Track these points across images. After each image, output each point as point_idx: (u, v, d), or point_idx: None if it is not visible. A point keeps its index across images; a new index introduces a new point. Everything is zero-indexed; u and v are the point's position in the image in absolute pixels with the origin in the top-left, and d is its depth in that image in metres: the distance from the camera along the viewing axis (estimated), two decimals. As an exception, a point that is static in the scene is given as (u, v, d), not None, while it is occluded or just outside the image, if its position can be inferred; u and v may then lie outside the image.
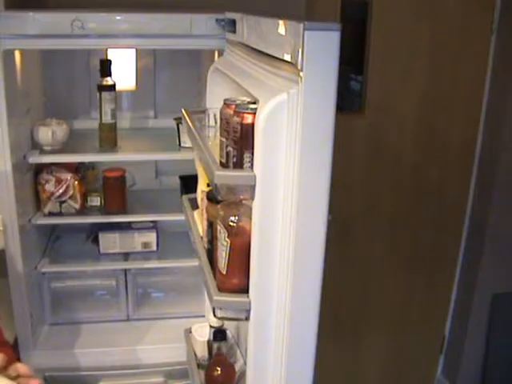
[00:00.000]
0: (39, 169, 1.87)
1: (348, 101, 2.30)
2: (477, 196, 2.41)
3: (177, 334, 1.80)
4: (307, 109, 0.92)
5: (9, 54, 1.60)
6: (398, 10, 2.17)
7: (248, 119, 1.03)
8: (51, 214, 1.88)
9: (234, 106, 1.08)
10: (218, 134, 1.17)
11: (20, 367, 0.92)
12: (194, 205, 1.54)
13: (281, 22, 1.00)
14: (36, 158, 1.78)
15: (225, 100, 1.13)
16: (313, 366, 1.09)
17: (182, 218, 1.63)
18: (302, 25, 0.89)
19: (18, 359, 1.06)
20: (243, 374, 1.35)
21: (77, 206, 1.90)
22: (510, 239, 2.36)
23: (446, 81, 2.27)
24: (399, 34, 2.20)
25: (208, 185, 1.33)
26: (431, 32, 2.20)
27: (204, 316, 1.81)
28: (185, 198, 1.63)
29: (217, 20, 1.56)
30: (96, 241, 2.02)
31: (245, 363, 1.46)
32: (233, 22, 1.43)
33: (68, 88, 2.09)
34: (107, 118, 1.84)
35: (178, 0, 1.89)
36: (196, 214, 1.50)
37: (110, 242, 2.00)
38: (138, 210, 1.96)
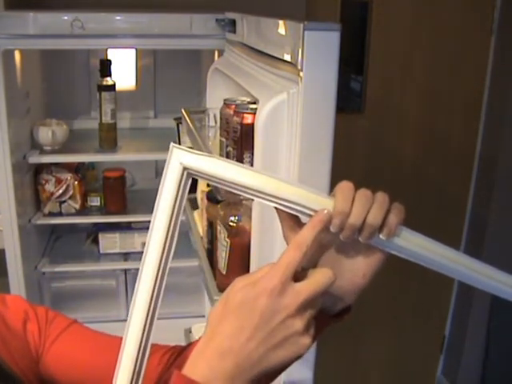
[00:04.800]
0: (39, 169, 1.87)
1: (348, 101, 2.30)
2: (477, 196, 2.41)
3: (177, 334, 1.80)
4: (307, 109, 0.92)
5: (9, 54, 1.60)
6: (397, 9, 2.17)
7: (248, 119, 1.03)
8: (51, 214, 1.88)
9: (234, 106, 1.08)
10: (218, 134, 1.17)
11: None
12: (194, 205, 1.54)
13: (281, 22, 1.00)
14: (36, 158, 1.78)
15: (225, 100, 1.13)
16: (313, 365, 1.09)
17: (182, 217, 1.63)
18: (301, 25, 0.89)
19: None
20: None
21: (77, 205, 1.90)
22: (510, 239, 2.36)
23: (446, 81, 2.27)
24: (399, 33, 2.19)
25: (208, 185, 1.33)
26: (431, 32, 2.20)
27: (204, 316, 1.81)
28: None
29: (217, 20, 1.56)
30: (96, 241, 2.02)
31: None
32: (233, 22, 1.43)
33: (68, 88, 2.09)
34: (107, 118, 1.84)
35: (178, 0, 1.89)
36: (196, 214, 1.50)
37: (109, 242, 2.00)
38: (138, 209, 1.96)
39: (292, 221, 0.66)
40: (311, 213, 0.64)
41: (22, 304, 0.83)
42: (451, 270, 0.67)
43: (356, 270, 0.68)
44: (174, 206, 0.65)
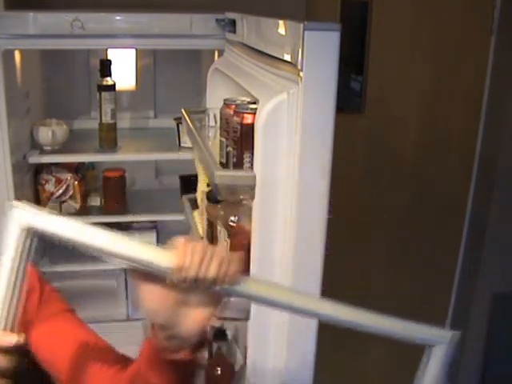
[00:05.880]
0: (39, 169, 1.87)
1: (348, 101, 2.30)
2: (477, 196, 2.41)
3: (177, 334, 1.79)
4: (307, 109, 0.92)
5: (9, 54, 1.60)
6: (398, 9, 2.17)
7: (248, 119, 1.03)
8: (51, 214, 1.88)
9: (234, 106, 1.08)
10: (218, 134, 1.17)
11: None
12: (194, 205, 1.54)
13: (281, 22, 1.00)
14: (36, 158, 1.78)
15: (225, 100, 1.13)
16: (313, 365, 1.09)
17: (182, 217, 1.63)
18: (301, 25, 0.89)
19: None
20: (243, 373, 1.35)
21: (77, 206, 1.90)
22: (510, 239, 2.36)
23: (446, 81, 2.27)
24: (399, 34, 2.19)
25: (208, 185, 1.33)
26: (431, 32, 2.20)
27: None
28: (185, 198, 1.63)
29: (217, 20, 1.56)
30: (96, 241, 2.01)
31: (245, 363, 1.47)
32: (233, 22, 1.43)
33: (68, 88, 2.08)
34: (107, 118, 1.84)
35: (177, 0, 1.89)
36: (196, 214, 1.50)
37: (109, 241, 2.00)
38: (138, 209, 1.96)
39: (140, 272, 0.72)
40: (153, 267, 0.69)
41: (33, 275, 0.90)
42: (293, 308, 0.77)
43: (196, 317, 0.74)
44: (15, 268, 0.67)
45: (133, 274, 0.73)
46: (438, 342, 0.85)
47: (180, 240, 0.71)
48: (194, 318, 0.73)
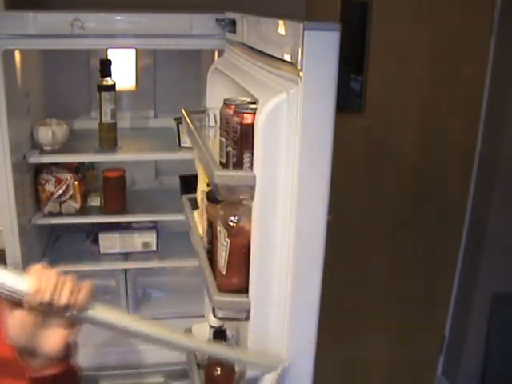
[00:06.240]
0: (39, 169, 1.87)
1: (348, 101, 2.30)
2: (477, 196, 2.41)
3: (177, 334, 1.79)
4: (307, 109, 0.92)
5: (9, 54, 1.60)
6: (398, 10, 2.17)
7: (248, 119, 1.03)
8: (51, 214, 1.88)
9: (233, 106, 1.08)
10: (218, 134, 1.17)
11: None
12: (194, 205, 1.54)
13: (281, 22, 1.00)
14: (36, 158, 1.78)
15: (225, 100, 1.13)
16: (313, 366, 1.09)
17: (182, 217, 1.63)
18: (301, 25, 0.89)
19: None
20: (243, 374, 1.35)
21: (77, 206, 1.90)
22: (510, 239, 2.36)
23: (445, 81, 2.27)
24: (399, 34, 2.19)
25: (208, 185, 1.33)
26: (431, 32, 2.20)
27: (204, 316, 1.81)
28: (185, 198, 1.62)
29: (217, 20, 1.56)
30: (96, 241, 2.01)
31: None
32: (233, 22, 1.43)
33: (68, 88, 2.09)
34: (107, 118, 1.84)
35: (178, 0, 1.89)
36: (196, 213, 1.50)
37: (109, 242, 2.00)
38: (138, 210, 1.96)
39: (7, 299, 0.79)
40: (12, 292, 0.76)
41: None
42: (131, 332, 0.88)
43: (55, 337, 0.82)
44: None
45: (2, 302, 0.79)
46: (271, 368, 0.96)
47: (36, 267, 0.79)
48: (54, 338, 0.82)
